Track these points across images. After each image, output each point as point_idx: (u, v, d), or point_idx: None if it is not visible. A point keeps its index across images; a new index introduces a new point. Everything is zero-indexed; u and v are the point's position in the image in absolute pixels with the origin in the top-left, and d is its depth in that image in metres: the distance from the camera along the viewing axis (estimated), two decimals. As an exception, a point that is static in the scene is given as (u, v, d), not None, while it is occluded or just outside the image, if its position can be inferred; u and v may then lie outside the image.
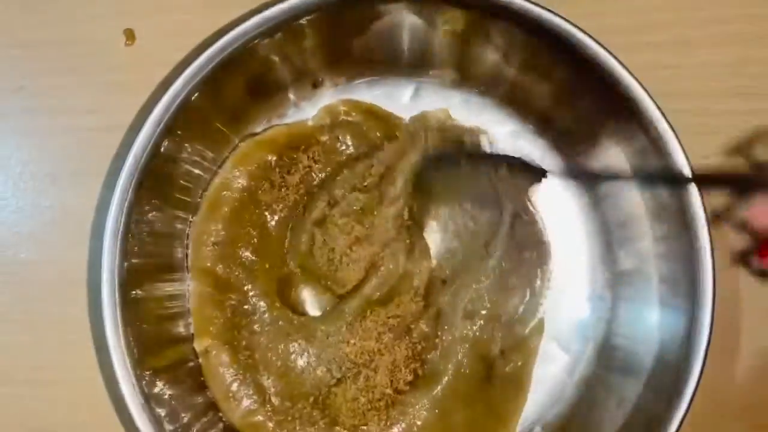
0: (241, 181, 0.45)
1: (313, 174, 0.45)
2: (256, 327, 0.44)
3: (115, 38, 0.46)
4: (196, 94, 0.40)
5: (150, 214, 0.42)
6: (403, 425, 0.44)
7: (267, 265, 0.44)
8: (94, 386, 0.44)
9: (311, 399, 0.44)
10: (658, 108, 0.40)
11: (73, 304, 0.45)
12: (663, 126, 0.40)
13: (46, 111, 0.46)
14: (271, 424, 0.43)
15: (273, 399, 0.44)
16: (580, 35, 0.40)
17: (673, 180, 0.40)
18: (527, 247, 0.46)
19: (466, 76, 0.46)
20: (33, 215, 0.46)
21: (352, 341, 0.44)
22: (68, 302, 0.45)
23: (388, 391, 0.44)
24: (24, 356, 0.45)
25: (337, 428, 0.44)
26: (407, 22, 0.43)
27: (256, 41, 0.41)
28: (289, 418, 0.43)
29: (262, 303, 0.44)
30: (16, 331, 0.45)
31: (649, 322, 0.42)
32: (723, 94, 0.45)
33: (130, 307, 0.40)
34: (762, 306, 0.44)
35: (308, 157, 0.45)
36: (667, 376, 0.40)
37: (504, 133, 0.46)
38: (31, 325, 0.45)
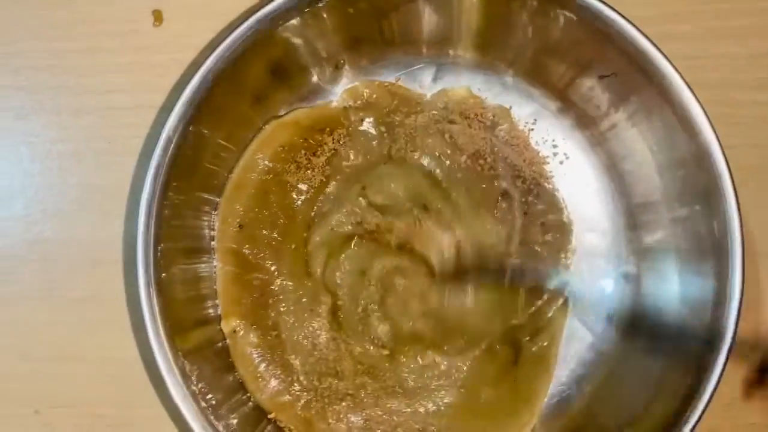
0: (267, 163, 0.45)
1: (339, 157, 0.45)
2: (282, 307, 0.44)
3: (144, 19, 0.46)
4: (222, 77, 0.41)
5: (178, 197, 0.42)
6: (429, 403, 0.44)
7: (293, 246, 0.45)
8: (119, 363, 0.45)
9: (337, 377, 0.44)
10: (688, 86, 0.40)
11: (98, 282, 0.45)
12: (692, 103, 0.40)
13: (74, 90, 0.46)
14: (299, 404, 0.44)
15: (301, 378, 0.44)
16: (607, 11, 0.40)
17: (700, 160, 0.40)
18: (549, 229, 0.46)
19: (489, 56, 0.46)
20: (59, 193, 0.46)
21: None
22: (92, 281, 0.45)
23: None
24: (49, 334, 0.45)
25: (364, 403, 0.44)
26: (427, 2, 0.43)
27: (278, 24, 0.41)
28: (318, 397, 0.44)
29: (288, 283, 0.45)
30: (41, 309, 0.46)
31: (674, 299, 0.42)
32: (744, 85, 0.46)
33: (160, 290, 0.41)
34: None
35: (333, 139, 0.45)
36: (694, 353, 0.40)
37: (525, 114, 0.46)
38: (55, 303, 0.46)
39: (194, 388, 0.40)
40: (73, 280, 0.46)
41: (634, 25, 0.40)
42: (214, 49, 0.40)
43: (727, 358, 0.38)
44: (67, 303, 0.45)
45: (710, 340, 0.39)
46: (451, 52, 0.46)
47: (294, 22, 0.42)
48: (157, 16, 0.46)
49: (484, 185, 0.45)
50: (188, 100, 0.40)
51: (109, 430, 0.45)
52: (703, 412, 0.38)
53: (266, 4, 0.40)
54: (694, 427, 0.38)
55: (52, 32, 0.47)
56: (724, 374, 0.38)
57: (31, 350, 0.46)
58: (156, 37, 0.46)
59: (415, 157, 0.45)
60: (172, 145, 0.40)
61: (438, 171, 0.45)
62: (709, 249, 0.41)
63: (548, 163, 0.47)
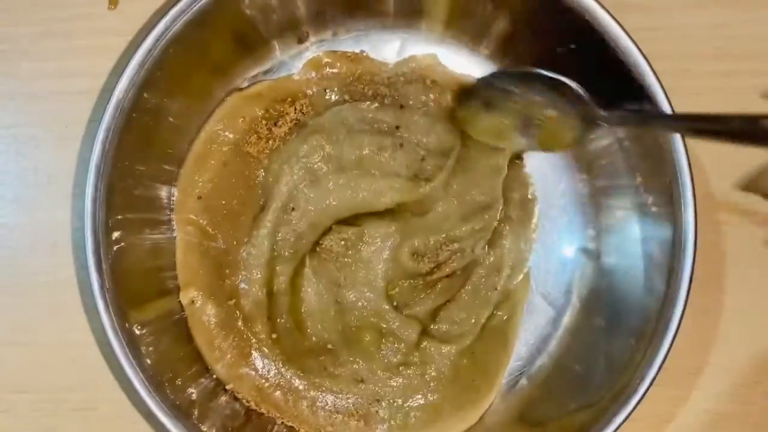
0: (228, 135, 0.45)
1: (299, 126, 0.45)
2: (241, 277, 0.44)
3: (98, 2, 0.46)
4: (174, 47, 0.40)
5: (136, 167, 0.42)
6: (383, 377, 0.44)
7: (252, 216, 0.44)
8: (80, 345, 0.44)
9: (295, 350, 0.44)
10: (649, 64, 0.39)
11: (59, 265, 0.45)
12: (649, 75, 0.39)
13: (29, 75, 0.46)
14: (256, 375, 0.44)
15: (259, 349, 0.44)
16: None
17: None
18: (513, 206, 0.46)
19: (457, 30, 0.45)
20: (17, 178, 0.46)
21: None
22: (53, 264, 0.45)
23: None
24: (8, 318, 0.45)
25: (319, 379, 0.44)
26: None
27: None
28: (275, 368, 0.44)
29: (245, 253, 0.44)
30: (0, 294, 0.45)
31: (634, 275, 0.42)
32: (701, 56, 0.46)
33: (116, 261, 0.40)
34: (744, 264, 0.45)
35: (295, 109, 0.45)
36: (647, 333, 0.40)
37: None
38: (15, 287, 0.45)
39: (149, 360, 0.40)
40: (33, 265, 0.45)
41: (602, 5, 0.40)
42: (158, 22, 0.39)
43: (676, 332, 0.39)
44: (27, 287, 0.45)
45: (662, 317, 0.39)
46: (420, 25, 0.46)
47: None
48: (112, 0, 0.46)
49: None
50: (134, 71, 0.39)
51: (73, 414, 0.45)
52: (651, 383, 0.38)
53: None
54: (642, 396, 0.38)
55: (5, 16, 0.46)
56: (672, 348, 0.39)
57: (-9, 335, 0.45)
58: (111, 21, 0.46)
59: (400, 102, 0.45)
60: (124, 110, 0.39)
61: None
62: (667, 230, 0.40)
63: (515, 138, 0.46)
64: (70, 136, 0.45)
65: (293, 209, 0.44)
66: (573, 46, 0.42)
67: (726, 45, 0.46)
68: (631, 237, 0.43)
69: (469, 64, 0.46)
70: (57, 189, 0.45)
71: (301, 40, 0.46)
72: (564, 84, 0.40)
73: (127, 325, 0.40)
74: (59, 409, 0.45)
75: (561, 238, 0.46)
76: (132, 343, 0.40)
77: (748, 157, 0.45)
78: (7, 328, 0.45)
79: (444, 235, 0.44)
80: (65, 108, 0.45)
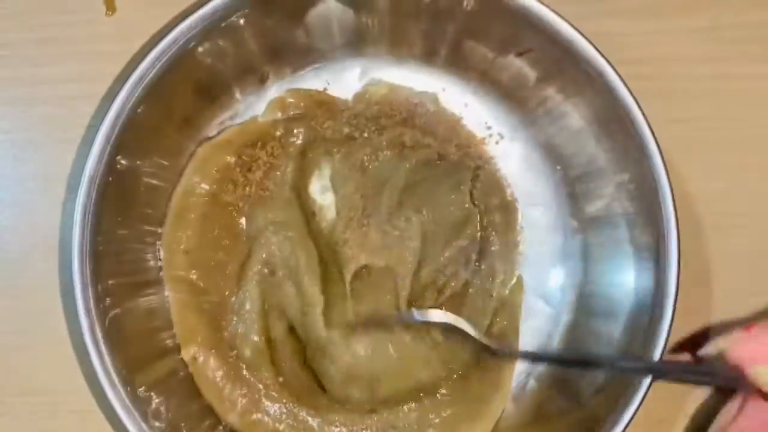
0: (204, 186, 0.45)
1: (273, 169, 0.45)
2: (239, 326, 0.44)
3: (96, 8, 0.46)
4: (141, 107, 0.40)
5: (118, 233, 0.42)
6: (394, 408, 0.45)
7: (239, 265, 0.45)
8: (66, 352, 0.44)
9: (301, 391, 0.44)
10: (608, 62, 0.39)
11: (56, 271, 0.45)
12: (616, 83, 0.39)
13: (28, 80, 0.46)
14: (268, 419, 0.44)
15: (267, 393, 0.44)
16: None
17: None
18: (495, 210, 0.46)
19: (402, 49, 0.46)
20: (15, 183, 0.46)
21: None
22: (50, 269, 0.45)
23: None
24: (7, 321, 0.45)
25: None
26: (333, 5, 0.43)
27: (192, 44, 0.40)
28: (286, 410, 0.44)
29: (237, 305, 0.44)
30: None
31: (622, 263, 0.43)
32: (695, 59, 0.46)
33: (112, 329, 0.40)
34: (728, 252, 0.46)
35: (267, 153, 0.45)
36: (644, 315, 0.41)
37: (455, 99, 0.47)
38: (14, 290, 0.45)
39: (159, 425, 0.40)
40: (31, 268, 0.45)
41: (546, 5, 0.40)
42: (125, 83, 0.39)
43: (674, 309, 0.39)
44: (25, 290, 0.45)
45: (655, 297, 0.40)
46: (369, 49, 0.46)
47: (211, 38, 0.41)
48: (110, 5, 0.46)
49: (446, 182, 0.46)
50: (106, 134, 0.39)
51: (71, 417, 0.45)
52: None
53: (179, 24, 0.40)
54: (649, 387, 0.39)
55: (4, 23, 0.46)
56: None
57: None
58: (109, 26, 0.46)
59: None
60: (99, 185, 0.39)
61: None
62: (646, 216, 0.41)
63: (487, 144, 0.47)
64: (68, 140, 0.46)
65: (272, 273, 0.44)
66: (530, 50, 0.42)
67: (720, 48, 0.46)
68: (615, 221, 0.43)
69: (431, 78, 0.47)
70: (55, 193, 0.46)
71: (262, 80, 0.46)
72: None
73: (131, 390, 0.40)
74: (58, 412, 0.45)
75: (548, 235, 0.46)
76: (141, 409, 0.40)
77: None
78: (6, 330, 0.45)
79: (435, 262, 0.45)
80: (64, 113, 0.46)
